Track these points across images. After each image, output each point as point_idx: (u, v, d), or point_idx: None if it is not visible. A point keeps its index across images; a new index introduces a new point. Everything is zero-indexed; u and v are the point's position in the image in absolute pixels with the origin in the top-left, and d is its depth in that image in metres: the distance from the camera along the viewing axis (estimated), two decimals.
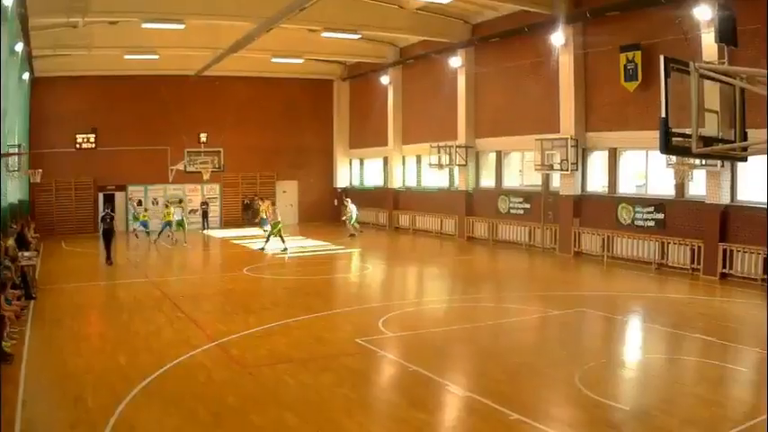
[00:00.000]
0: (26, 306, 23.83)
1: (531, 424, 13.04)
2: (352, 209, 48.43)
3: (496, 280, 31.83)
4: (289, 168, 59.69)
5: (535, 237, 39.52)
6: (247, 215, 57.57)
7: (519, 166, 43.14)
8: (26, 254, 26.96)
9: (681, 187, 31.00)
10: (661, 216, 31.96)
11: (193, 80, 52.90)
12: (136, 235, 48.94)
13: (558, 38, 36.19)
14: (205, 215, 55.77)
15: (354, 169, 62.18)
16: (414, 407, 14.14)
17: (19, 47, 33.59)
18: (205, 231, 53.71)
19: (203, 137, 52.95)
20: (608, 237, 34.07)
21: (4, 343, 18.06)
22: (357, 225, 48.80)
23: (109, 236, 36.92)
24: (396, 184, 54.25)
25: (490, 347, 19.13)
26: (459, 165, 45.00)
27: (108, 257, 36.07)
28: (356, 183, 61.77)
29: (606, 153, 35.69)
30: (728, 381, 15.82)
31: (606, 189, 35.69)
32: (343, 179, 62.33)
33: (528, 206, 40.79)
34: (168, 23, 38.12)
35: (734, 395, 15.00)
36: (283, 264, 36.30)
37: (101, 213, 42.73)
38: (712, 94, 12.78)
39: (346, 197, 53.60)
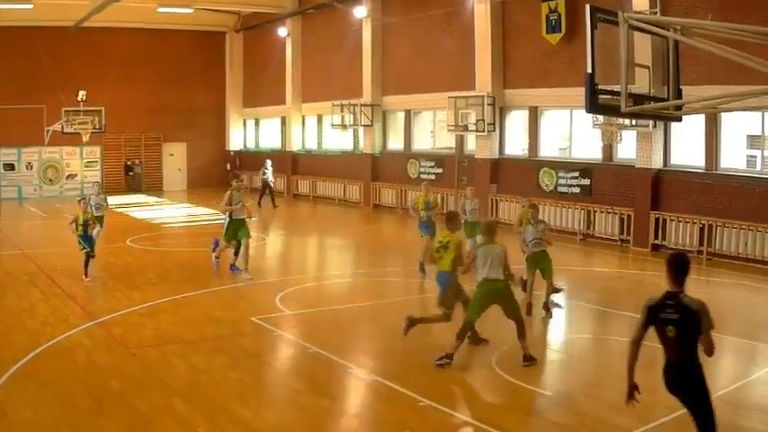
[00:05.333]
0: None
1: (444, 410, 13.04)
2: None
3: (406, 252, 31.22)
4: (177, 129, 58.58)
5: (448, 205, 39.03)
6: (133, 180, 56.43)
7: (430, 127, 43.13)
8: None
9: (608, 150, 30.99)
10: (587, 182, 31.85)
11: (72, 32, 51.22)
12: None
13: None
14: None
15: (249, 130, 61.91)
16: (314, 392, 14.14)
17: None
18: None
19: (82, 94, 51.27)
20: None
21: None
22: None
23: None
24: (294, 146, 53.87)
25: (398, 326, 18.46)
26: (364, 125, 44.67)
27: None
28: (251, 145, 61.36)
29: (526, 112, 35.70)
30: (661, 363, 15.58)
31: (526, 152, 35.71)
32: (236, 141, 61.85)
33: (440, 171, 40.58)
34: None
35: None
36: (171, 234, 35.56)
37: None
38: (643, 48, 12.75)
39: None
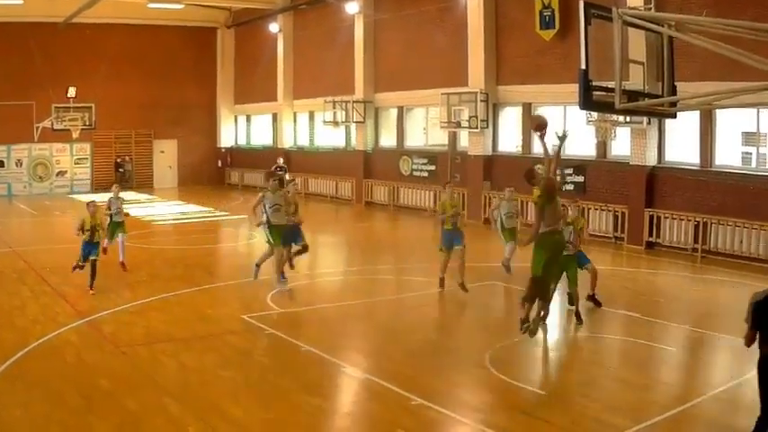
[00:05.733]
0: None
1: (437, 409, 12.99)
2: None
3: (398, 250, 31.69)
4: (167, 126, 58.35)
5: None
6: (124, 177, 56.28)
7: (423, 124, 43.05)
8: None
9: (603, 147, 31.00)
10: (581, 179, 31.79)
11: (62, 28, 51.03)
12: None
13: None
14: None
15: (240, 127, 61.73)
16: (306, 391, 14.04)
17: None
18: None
19: (72, 91, 51.13)
20: (522, 202, 33.81)
21: None
22: None
23: None
24: (286, 143, 53.71)
25: (391, 324, 19.05)
26: (356, 122, 44.62)
27: None
28: (242, 142, 61.16)
29: (519, 109, 35.63)
30: (656, 361, 15.88)
31: (520, 149, 35.55)
32: (227, 138, 61.63)
33: (433, 168, 40.48)
34: None
35: (662, 377, 15.08)
36: (161, 232, 35.48)
37: None
38: (637, 44, 12.71)
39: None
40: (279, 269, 21.10)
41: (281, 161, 45.28)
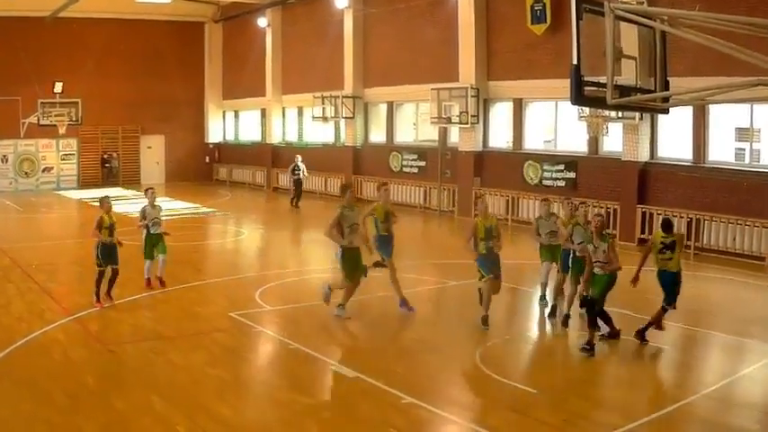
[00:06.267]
0: None
1: (427, 408, 13.01)
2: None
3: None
4: (155, 122, 58.06)
5: (431, 198, 39.13)
6: (110, 173, 56.25)
7: (413, 119, 42.98)
8: None
9: (594, 143, 31.00)
10: (572, 175, 31.87)
11: (48, 23, 50.61)
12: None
13: None
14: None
15: (228, 123, 61.50)
16: (295, 389, 14.13)
17: None
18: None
19: (59, 86, 51.14)
20: (513, 198, 33.89)
21: None
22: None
23: None
24: (275, 139, 53.66)
25: (381, 322, 19.02)
26: (345, 117, 44.52)
27: None
28: (230, 137, 61.02)
29: (510, 104, 35.61)
30: (648, 359, 15.86)
31: (510, 145, 35.61)
32: (215, 133, 61.52)
33: (423, 164, 40.48)
34: None
35: (654, 376, 15.21)
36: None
37: None
38: (630, 38, 12.62)
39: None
40: (346, 300, 18.81)
41: (299, 159, 43.56)
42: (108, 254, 19.43)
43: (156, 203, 21.77)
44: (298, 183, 43.03)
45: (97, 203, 20.58)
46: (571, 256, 17.92)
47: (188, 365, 15.47)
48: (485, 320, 17.62)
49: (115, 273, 19.58)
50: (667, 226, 16.71)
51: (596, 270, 16.10)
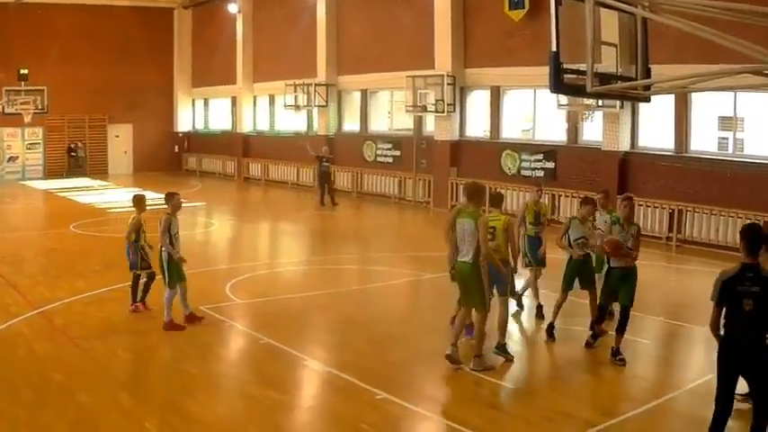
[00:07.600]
0: None
1: (401, 404, 12.98)
2: None
3: (361, 239, 31.69)
4: (122, 110, 57.81)
5: (406, 189, 39.11)
6: (77, 163, 55.99)
7: (387, 108, 43.15)
8: None
9: (574, 132, 31.07)
10: (551, 165, 31.86)
11: (13, 8, 50.73)
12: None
13: None
14: None
15: (198, 111, 61.47)
16: (266, 384, 14.08)
17: None
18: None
19: (24, 73, 50.90)
20: (490, 189, 33.76)
21: None
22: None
23: None
24: (245, 128, 53.67)
25: (354, 316, 18.95)
26: (318, 106, 44.48)
27: None
28: (200, 126, 60.97)
29: (488, 92, 35.63)
30: (629, 354, 15.71)
31: (488, 134, 35.66)
32: (184, 122, 61.41)
33: (398, 153, 40.47)
34: None
35: (636, 371, 14.98)
36: (116, 220, 35.27)
37: None
38: (610, 25, 12.54)
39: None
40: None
41: (325, 150, 39.93)
42: (141, 257, 18.69)
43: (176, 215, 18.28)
44: (325, 176, 39.21)
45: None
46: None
47: (156, 360, 15.59)
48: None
49: (152, 277, 18.62)
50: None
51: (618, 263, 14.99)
